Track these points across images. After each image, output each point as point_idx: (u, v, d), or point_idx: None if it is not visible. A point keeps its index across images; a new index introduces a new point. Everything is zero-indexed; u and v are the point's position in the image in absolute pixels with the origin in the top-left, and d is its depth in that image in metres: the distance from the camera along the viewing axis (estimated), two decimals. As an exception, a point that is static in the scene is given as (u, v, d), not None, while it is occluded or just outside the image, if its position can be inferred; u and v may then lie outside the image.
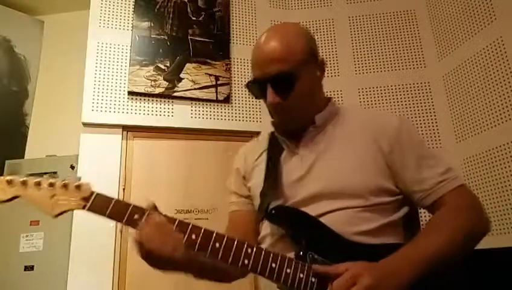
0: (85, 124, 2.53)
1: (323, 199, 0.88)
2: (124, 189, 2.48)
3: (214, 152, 2.70)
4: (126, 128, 2.61)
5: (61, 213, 0.78)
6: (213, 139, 2.74)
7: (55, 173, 2.45)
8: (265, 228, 0.94)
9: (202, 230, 0.77)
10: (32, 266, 2.30)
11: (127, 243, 2.39)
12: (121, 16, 2.76)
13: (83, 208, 0.79)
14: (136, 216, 0.78)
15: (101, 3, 2.75)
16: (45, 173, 2.70)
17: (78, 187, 0.80)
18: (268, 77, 0.91)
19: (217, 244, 0.76)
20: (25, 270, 2.30)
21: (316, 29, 3.08)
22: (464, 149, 2.58)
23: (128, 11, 2.79)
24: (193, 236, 0.76)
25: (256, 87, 0.95)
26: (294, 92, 0.92)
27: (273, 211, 0.87)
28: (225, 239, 0.76)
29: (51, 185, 0.79)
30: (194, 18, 2.89)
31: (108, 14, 2.74)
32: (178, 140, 2.71)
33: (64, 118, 2.94)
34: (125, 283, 2.33)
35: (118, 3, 2.78)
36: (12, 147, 2.98)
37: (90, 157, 2.46)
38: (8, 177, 0.78)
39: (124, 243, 2.39)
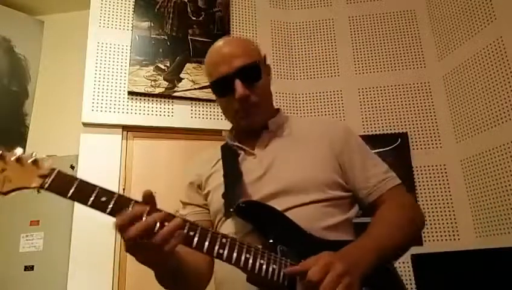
0: (85, 124, 2.53)
1: (284, 195, 0.91)
2: (124, 189, 2.48)
3: (214, 152, 2.70)
4: (126, 128, 2.61)
5: (13, 191, 0.68)
6: (213, 139, 2.73)
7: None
8: (228, 226, 0.93)
9: (175, 218, 0.73)
10: (32, 266, 2.30)
11: (127, 243, 2.39)
12: (121, 16, 2.77)
13: (40, 186, 0.70)
14: (103, 198, 0.71)
15: (101, 3, 2.75)
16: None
17: (35, 163, 0.69)
18: (235, 70, 0.95)
19: (191, 233, 0.74)
20: (25, 270, 2.30)
21: (316, 29, 3.09)
22: (464, 149, 2.58)
23: (128, 11, 2.79)
24: (166, 223, 0.71)
25: (223, 85, 0.98)
26: (260, 84, 0.99)
27: (243, 205, 0.87)
28: (199, 228, 0.75)
29: (1, 157, 0.68)
30: (194, 18, 2.89)
31: (108, 14, 2.74)
32: (178, 140, 2.71)
33: (64, 118, 2.94)
34: (125, 283, 2.33)
35: (118, 3, 2.78)
36: (12, 147, 2.98)
37: (90, 157, 2.47)
38: None
39: (124, 243, 2.39)
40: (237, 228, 0.91)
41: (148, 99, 2.65)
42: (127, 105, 2.61)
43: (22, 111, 3.11)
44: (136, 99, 2.63)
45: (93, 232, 2.32)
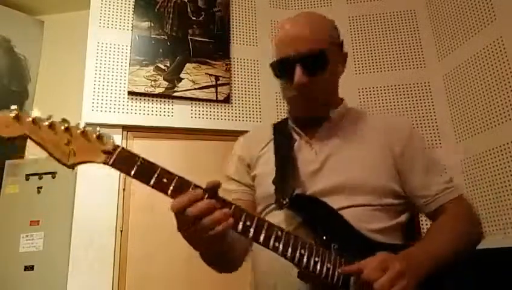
0: (85, 124, 2.52)
1: (338, 194, 0.88)
2: (124, 189, 2.48)
3: (214, 152, 2.70)
4: (126, 128, 2.61)
5: (78, 164, 0.67)
6: (213, 139, 2.74)
7: (55, 173, 2.45)
8: (276, 216, 0.89)
9: (233, 206, 0.73)
10: (32, 266, 2.30)
11: (127, 243, 2.39)
12: (121, 16, 2.76)
13: (104, 162, 0.69)
14: (164, 180, 0.71)
15: (101, 3, 2.75)
16: (45, 173, 2.68)
17: (99, 138, 0.68)
18: (299, 55, 0.88)
19: (248, 223, 0.73)
20: (25, 270, 2.29)
21: (316, 29, 3.08)
22: (464, 149, 2.58)
23: (128, 11, 2.79)
24: (226, 209, 0.71)
25: (283, 67, 0.91)
26: (323, 75, 0.91)
27: (298, 198, 0.85)
28: (256, 219, 0.73)
29: (67, 129, 0.66)
30: (194, 18, 2.89)
31: (108, 14, 2.74)
32: (178, 140, 2.71)
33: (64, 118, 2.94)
34: (125, 283, 2.33)
35: (118, 3, 2.78)
36: (12, 147, 2.98)
37: (90, 157, 2.46)
38: (16, 112, 0.63)
39: (124, 243, 2.39)
40: (287, 219, 0.88)
41: (148, 99, 2.65)
42: (127, 105, 2.60)
43: (22, 111, 3.11)
44: (136, 99, 2.63)
45: (93, 232, 2.32)
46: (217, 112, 2.76)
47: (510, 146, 2.25)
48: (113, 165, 0.70)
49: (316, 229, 0.83)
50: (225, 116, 2.77)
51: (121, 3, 2.79)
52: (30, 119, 0.64)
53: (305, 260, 0.74)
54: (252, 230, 0.72)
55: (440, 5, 2.85)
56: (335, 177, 0.90)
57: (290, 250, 0.74)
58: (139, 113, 2.62)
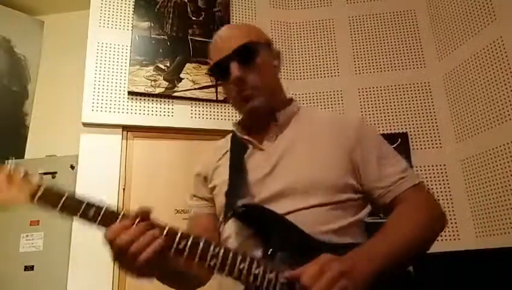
0: (85, 124, 2.53)
1: (290, 196, 0.86)
2: (124, 189, 2.48)
3: (214, 152, 2.70)
4: (126, 128, 2.61)
5: (3, 205, 0.71)
6: (213, 139, 2.72)
7: (55, 173, 2.45)
8: (229, 227, 0.90)
9: (166, 228, 0.72)
10: (32, 266, 2.30)
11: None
12: (121, 16, 2.77)
13: (31, 201, 0.72)
14: (91, 212, 0.73)
15: (101, 3, 2.75)
16: (45, 173, 2.69)
17: (25, 178, 0.72)
18: (230, 52, 0.92)
19: (183, 243, 0.72)
20: (25, 270, 2.29)
21: (316, 29, 3.09)
22: (464, 149, 2.58)
23: (128, 11, 2.79)
24: (156, 231, 0.72)
25: (220, 68, 0.94)
26: (257, 64, 0.93)
27: (242, 210, 0.84)
28: (191, 238, 0.72)
29: None
30: (194, 18, 2.89)
31: (108, 14, 2.74)
32: (178, 140, 2.71)
33: (64, 118, 2.94)
34: (125, 283, 2.33)
35: (118, 3, 2.78)
36: (12, 147, 2.98)
37: (90, 157, 2.47)
38: None
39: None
40: (238, 230, 0.87)
41: (148, 99, 2.65)
42: (127, 105, 2.60)
43: (22, 111, 3.11)
44: (136, 99, 2.63)
45: (94, 232, 2.31)
46: (217, 112, 2.76)
47: (510, 146, 2.25)
48: (38, 204, 0.72)
49: (263, 239, 0.82)
50: (225, 116, 2.77)
51: (121, 3, 2.79)
52: None
53: (245, 274, 0.72)
54: (186, 250, 0.72)
55: (440, 5, 2.85)
56: (284, 179, 0.88)
57: (227, 267, 0.72)
58: (139, 113, 2.62)
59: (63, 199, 0.72)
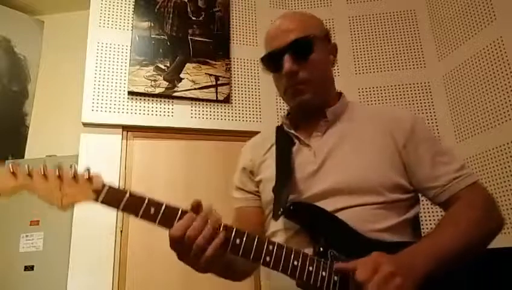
0: (85, 124, 2.53)
1: (338, 195, 0.86)
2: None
3: (214, 152, 2.70)
4: (126, 128, 2.61)
5: (71, 205, 0.74)
6: (213, 139, 2.74)
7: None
8: (277, 223, 0.90)
9: (222, 225, 0.73)
10: (32, 266, 2.30)
11: (127, 243, 2.40)
12: (121, 16, 2.77)
13: (95, 200, 0.75)
14: (152, 210, 0.73)
15: (101, 3, 2.75)
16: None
17: (89, 179, 0.76)
18: (286, 45, 0.91)
19: (238, 241, 0.73)
20: (25, 270, 2.30)
21: (316, 29, 3.08)
22: (464, 149, 2.58)
23: (128, 11, 2.79)
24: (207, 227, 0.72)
25: (272, 59, 0.94)
26: (311, 60, 0.92)
27: (291, 207, 0.84)
28: (245, 235, 0.73)
29: (59, 176, 0.74)
30: (194, 18, 2.89)
31: (108, 14, 2.74)
32: (178, 140, 2.71)
33: (64, 118, 2.94)
34: (125, 283, 2.33)
35: (118, 3, 2.78)
36: (12, 147, 2.98)
37: (90, 157, 2.46)
38: (12, 167, 0.71)
39: (124, 243, 2.39)
40: (285, 227, 0.88)
41: (148, 99, 2.65)
42: (127, 105, 2.60)
43: (22, 111, 3.11)
44: (136, 99, 2.63)
45: (94, 232, 2.32)
46: (217, 112, 2.76)
47: (510, 146, 2.25)
48: (102, 203, 0.74)
49: (313, 236, 0.82)
50: (225, 116, 2.77)
51: (121, 3, 2.79)
52: (24, 172, 0.72)
53: (298, 270, 0.73)
54: (242, 247, 0.73)
55: (440, 5, 2.85)
56: (333, 177, 0.87)
57: (281, 263, 0.73)
58: (139, 113, 2.62)
59: (125, 197, 0.74)
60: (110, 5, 2.76)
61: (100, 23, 2.71)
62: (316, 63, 0.93)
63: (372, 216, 0.84)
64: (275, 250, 0.73)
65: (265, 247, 0.73)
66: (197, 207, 0.75)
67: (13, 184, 0.70)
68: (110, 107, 2.57)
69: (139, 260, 2.37)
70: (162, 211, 0.73)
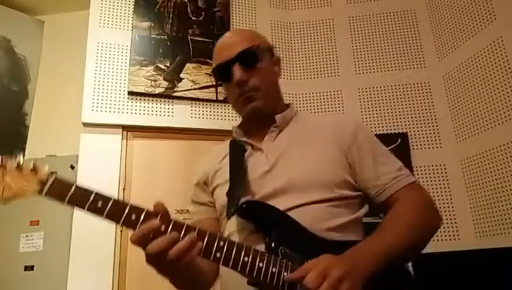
0: (85, 124, 2.53)
1: (290, 192, 0.88)
2: (124, 189, 2.48)
3: (214, 152, 2.70)
4: (126, 128, 2.61)
5: (12, 198, 0.71)
6: (213, 139, 2.74)
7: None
8: (231, 225, 0.92)
9: (172, 221, 0.73)
10: (32, 266, 2.30)
11: (127, 243, 2.40)
12: (121, 16, 2.77)
13: (39, 192, 0.72)
14: (99, 204, 0.72)
15: (101, 3, 2.75)
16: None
17: (34, 169, 0.72)
18: (234, 56, 0.96)
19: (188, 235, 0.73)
20: (25, 270, 2.29)
21: (316, 29, 3.09)
22: (464, 149, 2.58)
23: (128, 11, 2.79)
24: (162, 228, 0.71)
25: (223, 70, 0.98)
26: (258, 68, 0.97)
27: (244, 206, 0.85)
28: (196, 231, 0.73)
29: (1, 165, 0.70)
30: (194, 18, 2.89)
31: (108, 14, 2.74)
32: (178, 140, 2.71)
33: (64, 118, 2.94)
34: (125, 283, 2.33)
35: (118, 3, 2.78)
36: (12, 147, 2.98)
37: (90, 157, 2.47)
38: None
39: (124, 243, 2.39)
40: (240, 227, 0.90)
41: (148, 99, 2.65)
42: (127, 105, 2.61)
43: (22, 111, 3.11)
44: (136, 99, 2.63)
45: (94, 232, 2.32)
46: (217, 112, 2.76)
47: (510, 146, 2.25)
48: (47, 195, 0.72)
49: (265, 234, 0.83)
50: (225, 116, 2.77)
51: (121, 3, 2.79)
52: None
53: (248, 266, 0.74)
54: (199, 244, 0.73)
55: (440, 5, 2.85)
56: (284, 176, 0.90)
57: (232, 259, 0.73)
58: (139, 113, 2.62)
59: (72, 190, 0.72)
60: (110, 5, 2.76)
61: (100, 23, 2.71)
62: (264, 71, 0.99)
63: (323, 214, 0.87)
64: (225, 246, 0.74)
65: (216, 243, 0.73)
66: (159, 207, 0.74)
67: None
68: (110, 107, 2.57)
69: (139, 260, 2.36)
70: (110, 205, 0.72)
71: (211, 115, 2.75)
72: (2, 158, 0.70)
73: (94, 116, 2.53)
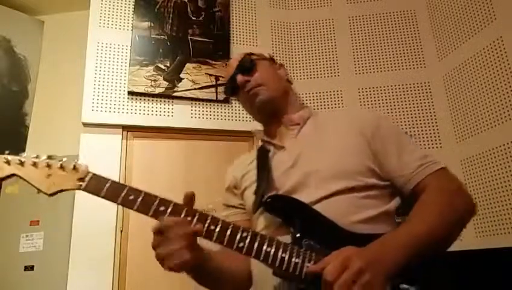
0: (85, 124, 2.53)
1: (313, 185, 0.89)
2: (124, 189, 2.48)
3: (214, 152, 2.70)
4: (126, 128, 2.61)
5: (57, 192, 0.80)
6: (213, 139, 2.74)
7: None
8: (260, 222, 0.95)
9: (197, 213, 0.77)
10: (32, 266, 2.31)
11: (127, 243, 2.40)
12: (121, 16, 2.77)
13: (79, 188, 0.81)
14: (131, 197, 0.78)
15: (101, 3, 2.75)
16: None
17: (75, 168, 0.83)
18: (234, 69, 1.07)
19: (212, 227, 0.77)
20: (25, 270, 2.30)
21: (316, 29, 3.09)
22: (464, 149, 2.58)
23: (128, 11, 2.79)
24: (189, 218, 0.77)
25: (231, 85, 1.08)
26: (257, 70, 1.06)
27: (268, 200, 0.88)
28: (220, 222, 0.77)
29: (48, 165, 0.83)
30: (194, 18, 2.89)
31: (108, 14, 2.74)
32: (178, 140, 2.71)
33: (64, 118, 2.94)
34: (125, 283, 2.33)
35: (118, 3, 2.78)
36: (12, 147, 2.98)
37: (90, 157, 2.46)
38: (6, 157, 0.81)
39: (124, 243, 2.39)
40: (268, 222, 0.92)
41: (148, 99, 2.65)
42: (127, 105, 2.61)
43: (22, 111, 3.11)
44: (136, 99, 2.63)
45: (93, 232, 2.32)
46: (217, 112, 2.76)
47: (510, 146, 2.25)
48: (85, 190, 0.81)
49: (290, 226, 0.84)
50: (225, 116, 2.77)
51: (121, 3, 2.79)
52: (17, 161, 0.81)
53: (271, 256, 0.75)
54: (215, 233, 0.76)
55: (440, 5, 2.85)
56: (306, 169, 0.92)
57: (254, 249, 0.76)
58: (139, 113, 2.62)
59: (107, 184, 0.79)
60: (110, 5, 2.76)
61: (100, 23, 2.71)
62: (263, 71, 1.07)
63: (351, 207, 0.86)
64: (248, 236, 0.77)
65: (239, 233, 0.77)
66: (187, 199, 0.80)
67: (6, 170, 0.80)
68: (110, 107, 2.57)
69: (139, 260, 2.37)
70: (140, 198, 0.78)
71: (211, 115, 2.75)
72: (48, 159, 0.83)
73: (94, 116, 2.53)
